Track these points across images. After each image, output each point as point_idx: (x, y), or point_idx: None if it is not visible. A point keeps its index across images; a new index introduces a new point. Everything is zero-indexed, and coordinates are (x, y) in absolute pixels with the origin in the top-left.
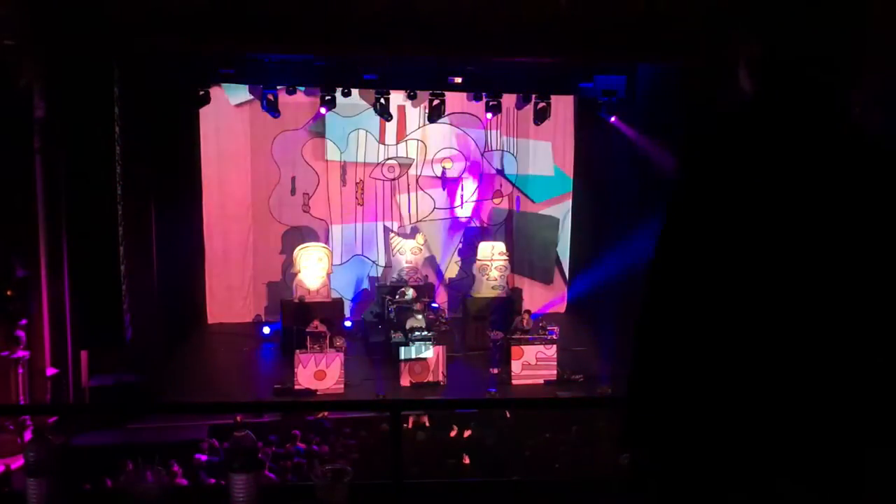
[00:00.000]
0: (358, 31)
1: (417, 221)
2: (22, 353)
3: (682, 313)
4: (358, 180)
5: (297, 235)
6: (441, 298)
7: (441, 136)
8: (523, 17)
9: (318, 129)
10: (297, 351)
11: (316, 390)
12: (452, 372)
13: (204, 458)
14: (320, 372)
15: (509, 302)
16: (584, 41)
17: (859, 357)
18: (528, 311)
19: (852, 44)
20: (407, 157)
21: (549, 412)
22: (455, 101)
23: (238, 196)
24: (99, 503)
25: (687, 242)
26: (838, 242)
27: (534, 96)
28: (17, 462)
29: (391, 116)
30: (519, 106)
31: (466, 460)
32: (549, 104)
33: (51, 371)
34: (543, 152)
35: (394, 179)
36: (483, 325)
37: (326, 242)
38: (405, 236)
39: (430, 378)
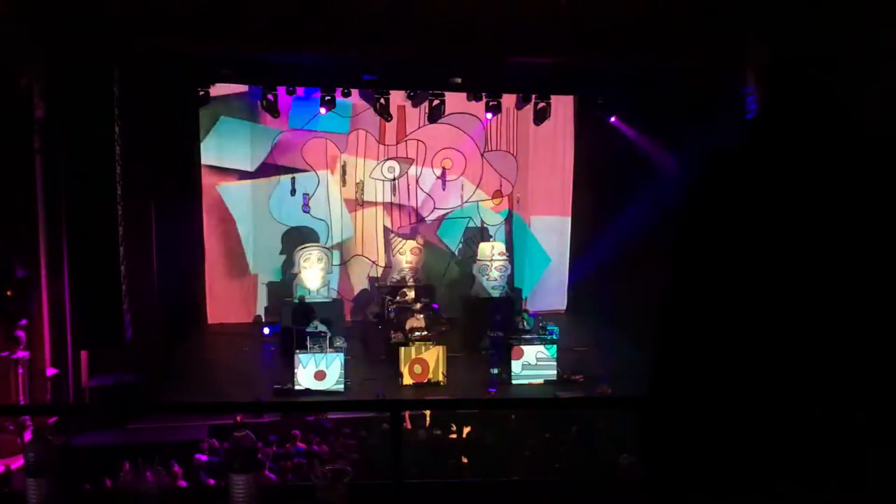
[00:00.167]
0: (358, 31)
1: (417, 221)
2: (22, 354)
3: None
4: (358, 180)
5: (298, 236)
6: (441, 299)
7: (441, 136)
8: (523, 17)
9: (318, 130)
10: (297, 351)
11: (316, 391)
12: (452, 372)
13: (204, 458)
14: (320, 372)
15: (509, 302)
16: (584, 41)
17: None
18: (527, 311)
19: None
20: (407, 158)
21: (549, 412)
22: (455, 101)
23: (238, 196)
24: (99, 503)
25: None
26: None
27: (534, 96)
28: (17, 462)
29: (391, 117)
30: (519, 106)
31: (464, 460)
32: (549, 104)
33: (51, 371)
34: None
35: (394, 179)
36: (483, 325)
37: (326, 242)
38: (405, 236)
39: (431, 378)
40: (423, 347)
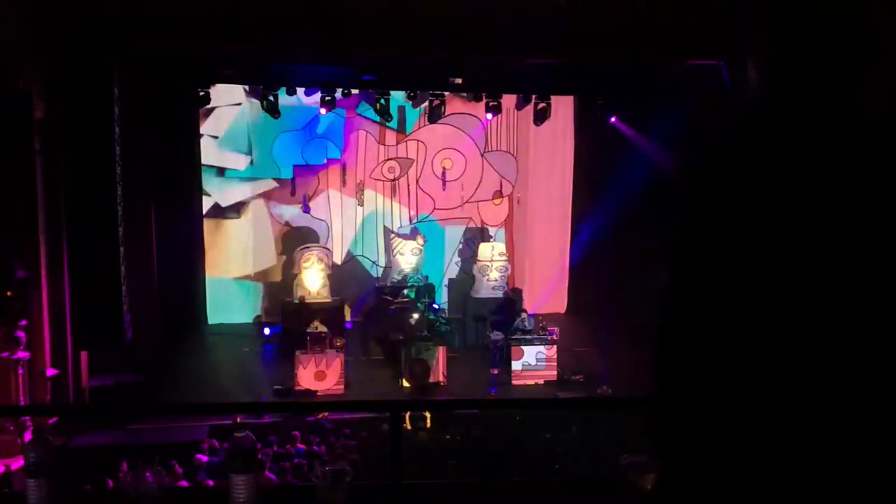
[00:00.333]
0: (358, 32)
1: (417, 222)
2: (22, 354)
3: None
4: (358, 181)
5: (298, 236)
6: (441, 299)
7: (441, 136)
8: (523, 17)
9: (318, 130)
10: (298, 352)
11: (316, 391)
12: (453, 372)
13: (204, 458)
14: (320, 373)
15: (509, 302)
16: (584, 41)
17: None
18: (526, 311)
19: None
20: (407, 158)
21: (549, 412)
22: (455, 101)
23: (238, 197)
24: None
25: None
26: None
27: (534, 97)
28: (18, 463)
29: (391, 117)
30: (519, 106)
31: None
32: (549, 104)
33: (51, 372)
34: None
35: (394, 180)
36: (483, 326)
37: (326, 243)
38: (405, 237)
39: (431, 379)
40: (424, 348)
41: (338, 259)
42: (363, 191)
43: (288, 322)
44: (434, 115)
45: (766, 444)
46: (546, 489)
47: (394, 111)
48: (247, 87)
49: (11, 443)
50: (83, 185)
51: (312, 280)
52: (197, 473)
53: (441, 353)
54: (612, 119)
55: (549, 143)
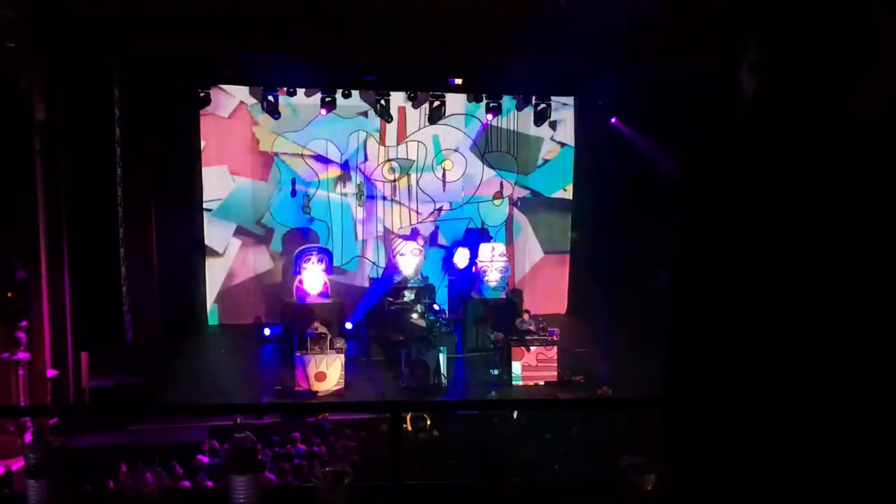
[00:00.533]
0: (358, 32)
1: (418, 223)
2: (22, 355)
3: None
4: (359, 181)
5: (298, 237)
6: (441, 300)
7: (441, 137)
8: (523, 17)
9: (318, 131)
10: (298, 352)
11: (316, 392)
12: (453, 373)
13: (205, 459)
14: (321, 373)
15: (510, 303)
16: (584, 41)
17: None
18: (527, 312)
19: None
20: (407, 159)
21: (549, 413)
22: (456, 102)
23: (238, 197)
24: None
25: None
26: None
27: (534, 97)
28: (18, 463)
29: (391, 118)
30: (519, 107)
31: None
32: (549, 105)
33: (51, 372)
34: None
35: (394, 181)
36: (484, 327)
37: (327, 244)
38: (406, 238)
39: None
40: (424, 349)
41: (338, 260)
42: (363, 191)
43: (288, 323)
44: (435, 117)
45: (767, 445)
46: (546, 490)
47: (394, 112)
48: (247, 88)
49: (12, 443)
50: (83, 186)
51: (313, 281)
52: (197, 474)
53: (441, 354)
54: (613, 119)
55: (549, 144)
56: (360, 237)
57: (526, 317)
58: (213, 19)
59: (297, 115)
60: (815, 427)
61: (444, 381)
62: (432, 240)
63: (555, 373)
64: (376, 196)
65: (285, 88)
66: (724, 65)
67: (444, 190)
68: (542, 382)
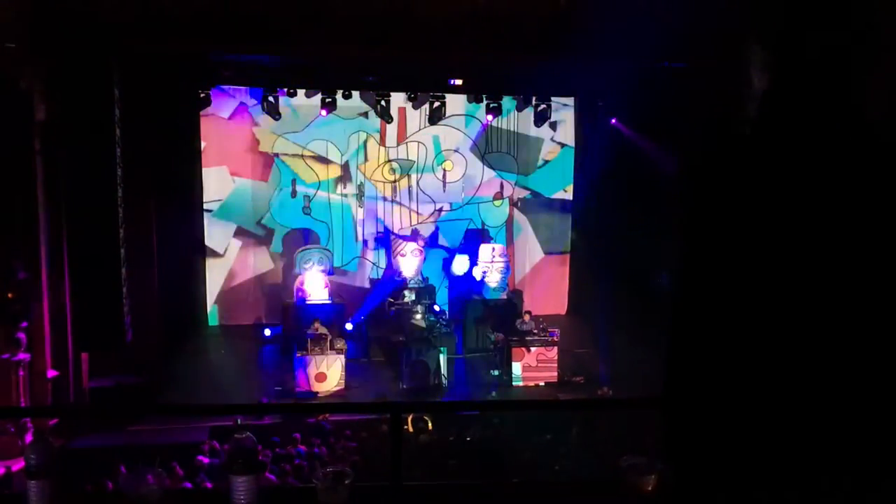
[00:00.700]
0: (358, 32)
1: (418, 223)
2: (23, 356)
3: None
4: (359, 182)
5: (298, 237)
6: (442, 300)
7: (442, 137)
8: (523, 17)
9: (318, 132)
10: (298, 353)
11: (317, 392)
12: (453, 374)
13: (205, 460)
14: (321, 374)
15: (510, 304)
16: (584, 41)
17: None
18: (528, 313)
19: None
20: (408, 159)
21: (549, 414)
22: (456, 102)
23: (239, 198)
24: None
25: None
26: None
27: (534, 98)
28: (18, 464)
29: (392, 118)
30: (519, 108)
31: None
32: (549, 106)
33: (51, 373)
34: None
35: (394, 181)
36: (484, 328)
37: (327, 244)
38: (406, 238)
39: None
40: (424, 349)
41: (338, 261)
42: (364, 192)
43: (289, 324)
44: (435, 117)
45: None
46: (546, 490)
47: (394, 113)
48: (248, 89)
49: (12, 444)
50: (83, 186)
51: (313, 282)
52: (197, 475)
53: (441, 355)
54: (613, 120)
55: (549, 144)
56: (360, 238)
57: (526, 317)
58: (213, 20)
59: (298, 115)
60: (815, 427)
61: (444, 381)
62: (433, 240)
63: (555, 373)
64: (376, 197)
65: (285, 89)
66: (724, 65)
67: (444, 190)
68: (542, 383)
